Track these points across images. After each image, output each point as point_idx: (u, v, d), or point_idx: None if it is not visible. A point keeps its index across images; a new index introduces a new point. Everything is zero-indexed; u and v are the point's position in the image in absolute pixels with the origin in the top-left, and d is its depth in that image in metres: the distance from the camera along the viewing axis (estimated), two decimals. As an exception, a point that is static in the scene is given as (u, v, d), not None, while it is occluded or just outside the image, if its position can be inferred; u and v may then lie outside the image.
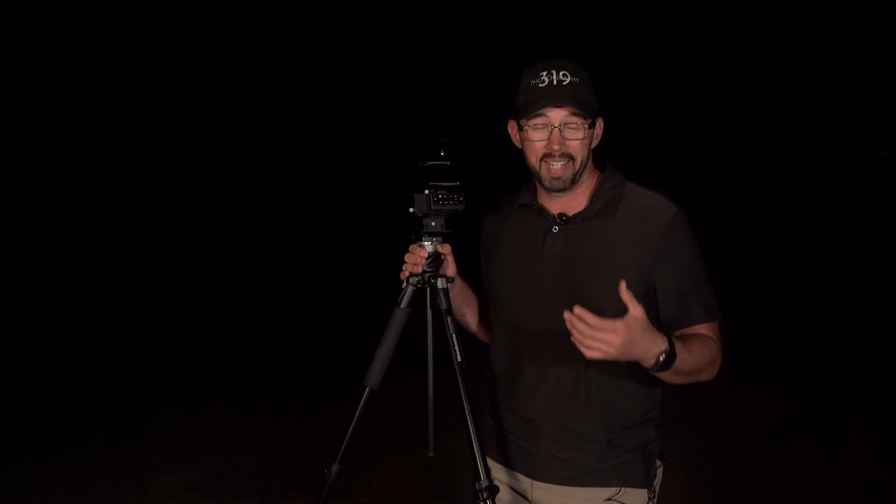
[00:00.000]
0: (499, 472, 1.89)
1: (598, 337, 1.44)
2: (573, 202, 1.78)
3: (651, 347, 1.49)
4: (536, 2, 12.27)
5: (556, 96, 1.68)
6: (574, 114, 1.69)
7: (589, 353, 1.46)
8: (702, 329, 1.71)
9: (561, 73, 1.69)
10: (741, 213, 12.26)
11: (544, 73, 1.70)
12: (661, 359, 1.52)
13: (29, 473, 4.21)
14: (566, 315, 1.45)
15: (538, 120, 1.70)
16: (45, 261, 10.29)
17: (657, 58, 12.98)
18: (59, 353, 6.78)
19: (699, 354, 1.63)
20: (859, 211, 12.18)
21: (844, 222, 11.96)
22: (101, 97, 11.81)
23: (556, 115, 1.69)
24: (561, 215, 1.78)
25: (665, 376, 1.59)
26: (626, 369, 1.70)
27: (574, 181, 1.73)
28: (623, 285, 1.45)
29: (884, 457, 4.22)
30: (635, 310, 1.45)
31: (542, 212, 1.80)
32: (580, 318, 1.44)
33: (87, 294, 9.08)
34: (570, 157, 1.70)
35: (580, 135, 1.70)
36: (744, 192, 13.19)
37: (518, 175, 1.88)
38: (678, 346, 1.55)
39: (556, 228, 1.78)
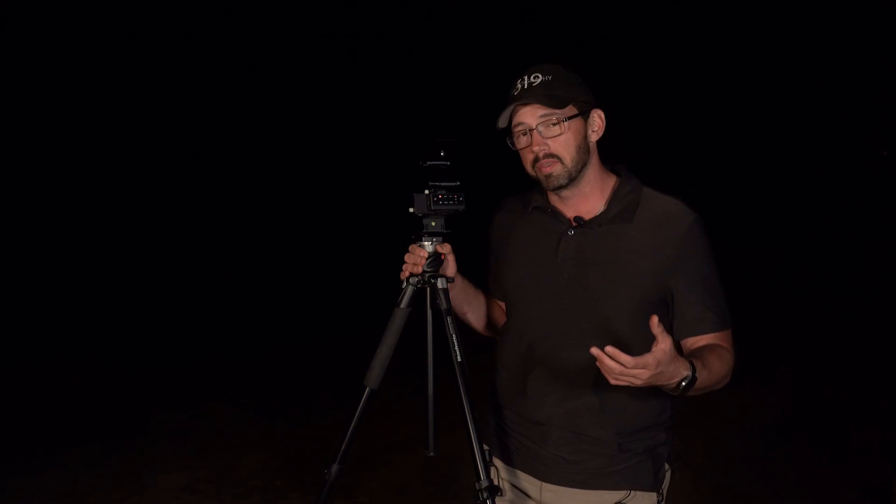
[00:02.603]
0: (504, 472, 1.89)
1: (629, 373, 1.43)
2: (585, 204, 1.77)
3: (675, 376, 1.50)
4: (536, 1, 12.27)
5: (522, 97, 1.69)
6: (546, 111, 1.69)
7: (615, 383, 1.46)
8: (715, 338, 1.71)
9: (532, 77, 1.71)
10: (741, 212, 12.26)
11: (518, 82, 1.73)
12: (683, 384, 1.52)
13: (29, 473, 4.21)
14: (593, 350, 1.43)
15: (518, 128, 1.73)
16: (45, 259, 10.29)
17: (657, 59, 12.97)
18: (58, 353, 6.78)
19: (717, 371, 1.62)
20: (860, 211, 12.19)
21: (845, 222, 11.97)
22: (101, 97, 11.81)
23: (530, 116, 1.70)
24: (577, 218, 1.76)
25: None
26: None
27: (571, 178, 1.72)
28: (655, 319, 1.43)
29: (884, 457, 4.22)
30: (664, 342, 1.43)
31: (557, 214, 1.79)
32: (612, 358, 1.42)
33: (87, 293, 9.08)
34: (556, 157, 1.70)
35: (558, 130, 1.69)
36: (743, 191, 13.19)
37: (519, 175, 1.88)
38: (698, 367, 1.54)
39: (571, 232, 1.76)
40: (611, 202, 1.75)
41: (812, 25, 12.20)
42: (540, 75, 1.70)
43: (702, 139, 13.69)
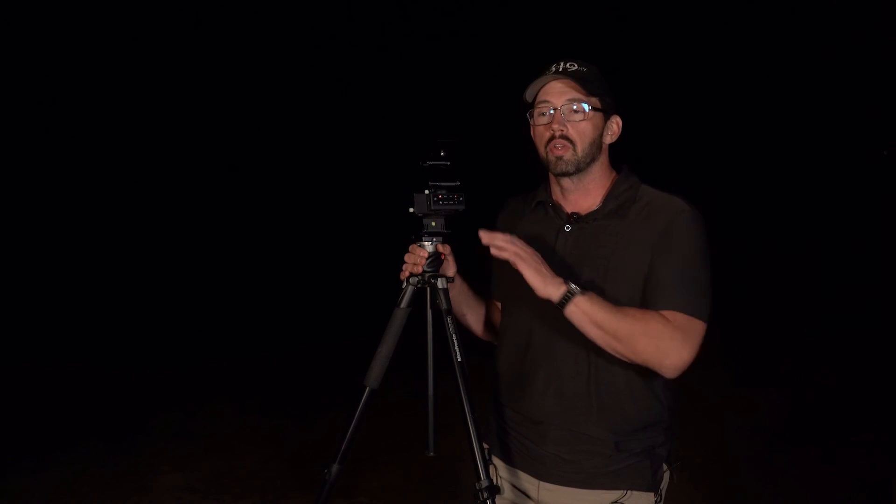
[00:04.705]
0: (502, 471, 1.89)
1: (497, 237, 1.63)
2: (586, 200, 1.78)
3: (555, 277, 1.61)
4: (538, 1, 12.27)
5: (557, 75, 1.72)
6: (574, 95, 1.71)
7: (497, 253, 1.65)
8: (672, 315, 1.64)
9: (568, 63, 1.74)
10: (741, 212, 12.25)
11: (553, 65, 1.75)
12: (566, 293, 1.60)
13: (29, 474, 4.21)
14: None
15: (542, 106, 1.74)
16: (46, 262, 10.29)
17: (658, 59, 12.97)
18: (59, 354, 6.78)
19: (623, 319, 1.60)
20: (860, 211, 12.18)
21: (845, 222, 11.96)
22: (101, 97, 11.81)
23: (557, 97, 1.72)
24: (574, 214, 1.78)
25: (578, 320, 1.61)
26: (635, 373, 1.70)
27: (579, 168, 1.73)
28: (481, 232, 1.63)
29: (884, 457, 4.22)
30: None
31: (557, 210, 1.81)
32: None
33: (88, 295, 9.08)
34: (571, 142, 1.71)
35: (580, 116, 1.71)
36: (744, 191, 13.18)
37: (519, 175, 1.88)
38: (589, 295, 1.60)
39: (568, 227, 1.78)
40: (607, 198, 1.77)
41: (811, 23, 12.20)
42: (576, 64, 1.73)
43: (702, 139, 13.68)
